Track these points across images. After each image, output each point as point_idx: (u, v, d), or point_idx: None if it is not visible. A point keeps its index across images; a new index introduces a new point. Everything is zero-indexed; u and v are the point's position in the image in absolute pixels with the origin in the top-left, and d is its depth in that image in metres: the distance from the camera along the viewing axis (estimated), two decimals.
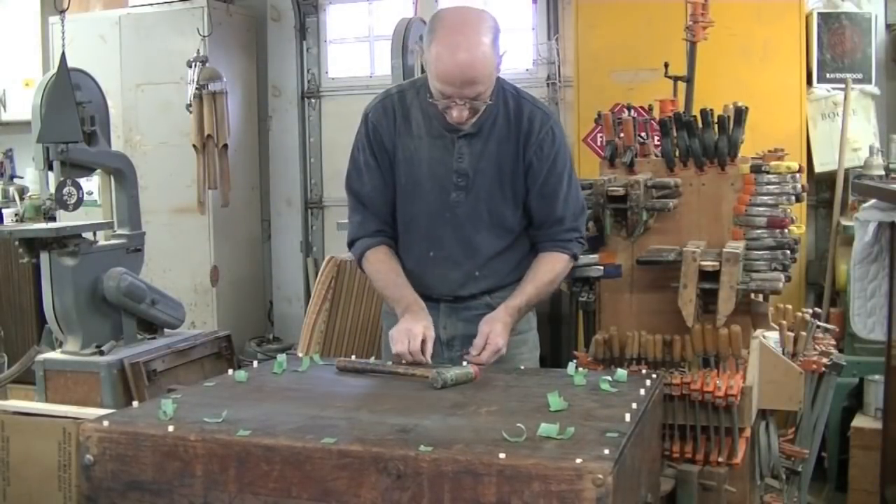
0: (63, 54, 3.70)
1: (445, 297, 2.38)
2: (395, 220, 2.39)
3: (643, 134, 2.83)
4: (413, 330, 2.14)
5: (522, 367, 2.25)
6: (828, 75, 4.30)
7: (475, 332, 2.24)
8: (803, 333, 2.62)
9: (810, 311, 2.77)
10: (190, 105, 5.07)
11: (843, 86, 4.21)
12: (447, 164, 2.31)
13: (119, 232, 4.00)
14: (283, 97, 5.96)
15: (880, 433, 3.42)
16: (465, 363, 2.08)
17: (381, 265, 2.36)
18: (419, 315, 2.21)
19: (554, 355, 5.40)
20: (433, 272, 2.35)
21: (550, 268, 2.35)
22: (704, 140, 2.61)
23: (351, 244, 2.43)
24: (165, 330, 4.07)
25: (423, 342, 2.13)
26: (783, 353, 2.49)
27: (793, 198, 2.57)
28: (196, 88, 5.03)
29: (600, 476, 1.35)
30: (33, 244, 3.70)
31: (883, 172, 4.06)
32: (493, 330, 2.18)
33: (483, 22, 2.17)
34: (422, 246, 2.37)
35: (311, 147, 5.95)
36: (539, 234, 2.38)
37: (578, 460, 1.38)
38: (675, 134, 2.65)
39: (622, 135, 2.76)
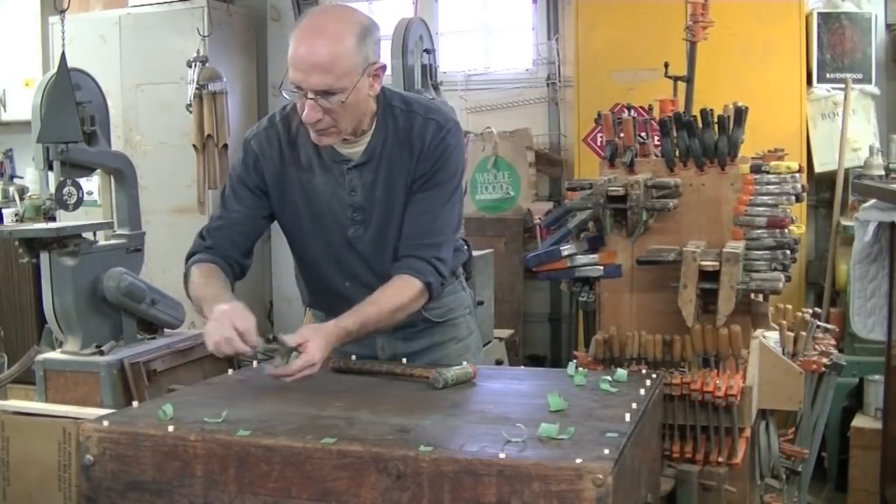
0: (63, 54, 3.70)
1: None
2: (244, 257, 2.26)
3: (643, 134, 2.83)
4: (223, 321, 1.89)
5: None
6: (828, 75, 4.31)
7: (416, 347, 2.19)
8: (803, 333, 2.62)
9: (810, 311, 2.77)
10: (190, 105, 5.07)
11: (843, 86, 4.22)
12: (341, 199, 2.14)
13: (119, 232, 4.00)
14: (283, 97, 5.96)
15: (880, 433, 3.42)
16: (269, 366, 1.94)
17: (198, 277, 2.15)
18: (225, 308, 1.94)
19: (554, 355, 5.41)
20: (356, 300, 2.09)
21: (398, 293, 2.07)
22: (704, 140, 2.61)
23: (187, 259, 2.22)
24: (165, 330, 4.07)
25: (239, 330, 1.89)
26: (783, 353, 2.49)
27: (793, 198, 2.57)
28: (196, 88, 5.04)
29: (600, 476, 1.35)
30: (33, 244, 3.70)
31: (883, 172, 4.06)
32: (314, 341, 1.88)
33: (350, 18, 2.04)
34: (337, 278, 2.22)
35: None
36: (403, 250, 2.13)
37: (578, 460, 1.38)
38: (675, 134, 2.65)
39: (622, 135, 2.76)
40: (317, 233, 2.19)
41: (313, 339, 1.89)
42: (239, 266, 2.25)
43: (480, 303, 3.67)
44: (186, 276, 2.19)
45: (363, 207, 2.14)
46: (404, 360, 2.11)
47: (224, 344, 1.88)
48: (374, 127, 2.13)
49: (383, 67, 2.10)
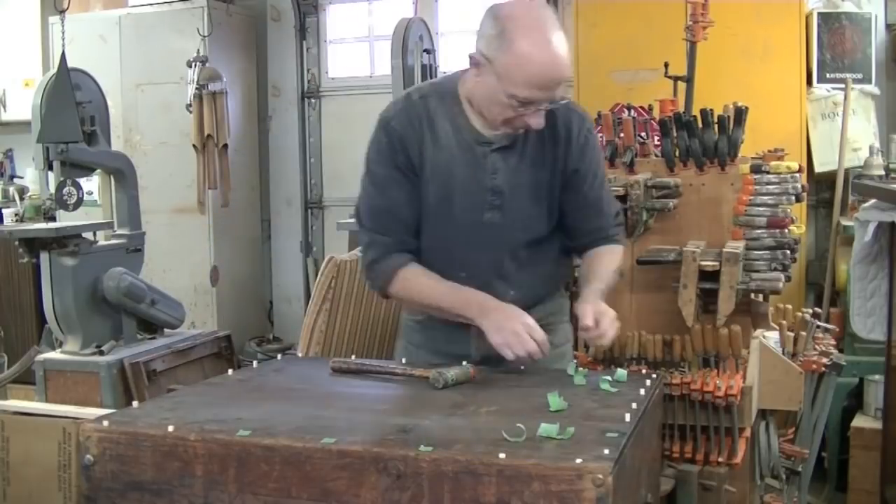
0: (63, 54, 3.70)
1: None
2: (416, 240, 2.14)
3: (643, 134, 2.84)
4: (513, 325, 1.95)
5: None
6: (828, 75, 4.30)
7: None
8: (803, 333, 2.62)
9: (810, 311, 2.77)
10: (190, 105, 5.07)
11: (843, 86, 4.21)
12: (480, 182, 2.08)
13: (119, 232, 4.00)
14: (283, 97, 5.96)
15: (880, 433, 3.42)
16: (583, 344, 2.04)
17: (423, 278, 2.09)
18: (502, 307, 2.00)
19: None
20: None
21: (613, 258, 2.21)
22: (704, 140, 2.61)
23: (370, 267, 2.13)
24: (165, 330, 4.07)
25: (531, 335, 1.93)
26: (783, 353, 2.49)
27: (793, 198, 2.57)
28: (196, 88, 5.04)
29: (600, 476, 1.35)
30: (33, 244, 3.71)
31: (883, 172, 4.05)
32: (598, 304, 2.02)
33: (553, 16, 2.05)
34: (451, 267, 2.12)
35: (311, 147, 5.96)
36: (588, 238, 2.21)
37: (578, 460, 1.38)
38: (675, 134, 2.65)
39: (622, 135, 2.76)
40: (446, 215, 2.11)
41: (597, 303, 2.02)
42: (416, 250, 2.14)
43: None
44: (389, 281, 2.10)
45: (503, 192, 2.09)
46: (464, 363, 1.99)
47: (515, 343, 1.93)
48: None
49: None
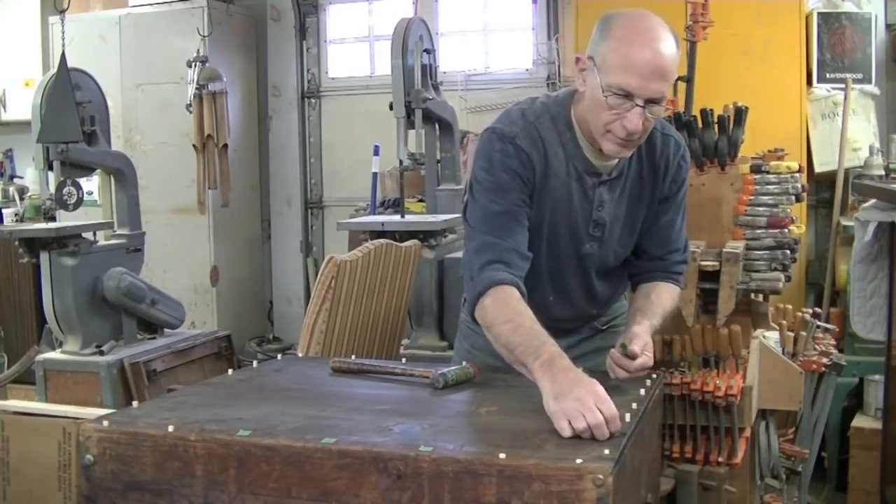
0: (63, 54, 3.70)
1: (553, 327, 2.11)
2: (526, 257, 1.98)
3: None
4: (585, 400, 1.55)
5: None
6: (828, 75, 4.30)
7: (576, 353, 2.03)
8: (803, 333, 2.62)
9: (810, 311, 2.77)
10: (190, 105, 5.08)
11: (843, 86, 4.21)
12: (586, 212, 2.04)
13: (119, 232, 4.01)
14: (283, 97, 5.96)
15: (880, 433, 3.41)
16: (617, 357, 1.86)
17: (513, 303, 1.87)
18: (569, 370, 1.67)
19: None
20: (548, 312, 2.04)
21: (671, 297, 2.11)
22: (704, 140, 2.61)
23: (480, 271, 1.92)
24: (165, 330, 4.07)
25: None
26: (783, 353, 2.49)
27: (793, 198, 2.57)
28: (196, 88, 5.04)
29: (600, 476, 1.35)
30: (33, 244, 3.71)
31: (883, 172, 4.06)
32: (650, 344, 1.89)
33: (665, 23, 1.91)
34: (543, 290, 2.10)
35: (311, 147, 5.96)
36: (648, 266, 2.15)
37: (578, 460, 1.38)
38: None
39: None
40: (548, 244, 2.05)
41: (650, 341, 1.89)
42: (526, 261, 1.97)
43: None
44: (481, 295, 1.89)
45: (604, 224, 2.06)
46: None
47: (576, 414, 1.53)
48: None
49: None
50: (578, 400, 1.54)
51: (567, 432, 1.52)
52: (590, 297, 2.17)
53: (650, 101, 1.86)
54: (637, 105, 1.85)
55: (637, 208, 2.09)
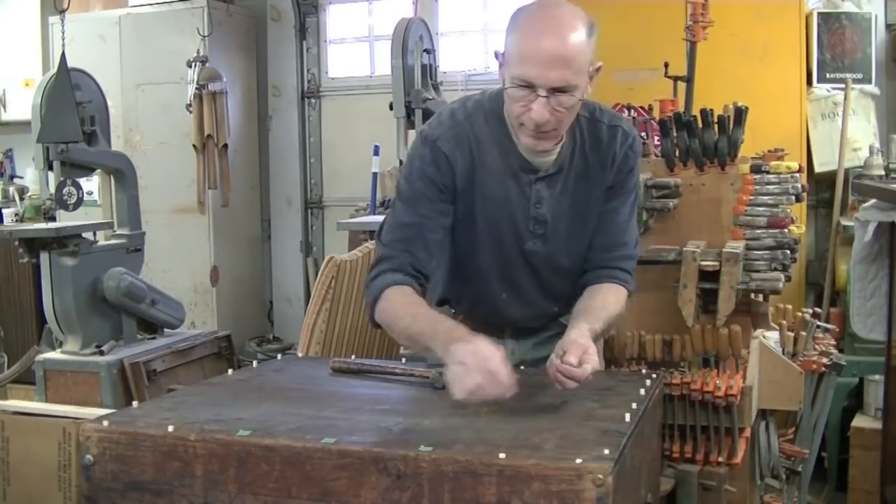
0: (63, 54, 3.70)
1: (515, 326, 2.16)
2: (430, 266, 1.98)
3: (643, 134, 2.84)
4: (469, 362, 1.61)
5: (522, 368, 2.10)
6: (828, 75, 4.30)
7: (545, 353, 1.91)
8: (803, 333, 2.62)
9: (810, 311, 2.77)
10: (190, 105, 5.07)
11: (843, 86, 4.21)
12: (524, 210, 2.01)
13: (119, 232, 4.00)
14: (283, 97, 5.96)
15: (880, 433, 3.41)
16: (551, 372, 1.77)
17: (407, 298, 1.89)
18: (470, 346, 1.66)
19: None
20: (506, 311, 2.10)
21: (616, 300, 2.00)
22: (704, 140, 2.61)
23: (368, 284, 1.97)
24: (165, 330, 4.07)
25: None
26: (783, 353, 2.49)
27: (793, 198, 2.57)
28: (196, 88, 5.04)
29: (600, 476, 1.35)
30: (33, 244, 3.71)
31: (883, 172, 4.05)
32: (591, 348, 1.75)
33: (579, 12, 1.89)
34: (494, 288, 2.09)
35: (311, 147, 5.96)
36: (597, 257, 2.06)
37: (578, 460, 1.38)
38: (675, 134, 2.65)
39: None
40: (490, 242, 2.04)
41: (591, 346, 1.75)
42: (426, 279, 1.98)
43: None
44: (376, 300, 1.92)
45: (546, 221, 2.02)
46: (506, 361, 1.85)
47: (477, 392, 1.61)
48: (564, 136, 1.98)
49: (599, 69, 1.96)
50: (463, 363, 1.61)
51: (459, 395, 1.61)
52: (547, 295, 2.11)
53: (557, 91, 1.82)
54: (540, 95, 1.82)
55: (584, 204, 2.03)
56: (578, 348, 1.73)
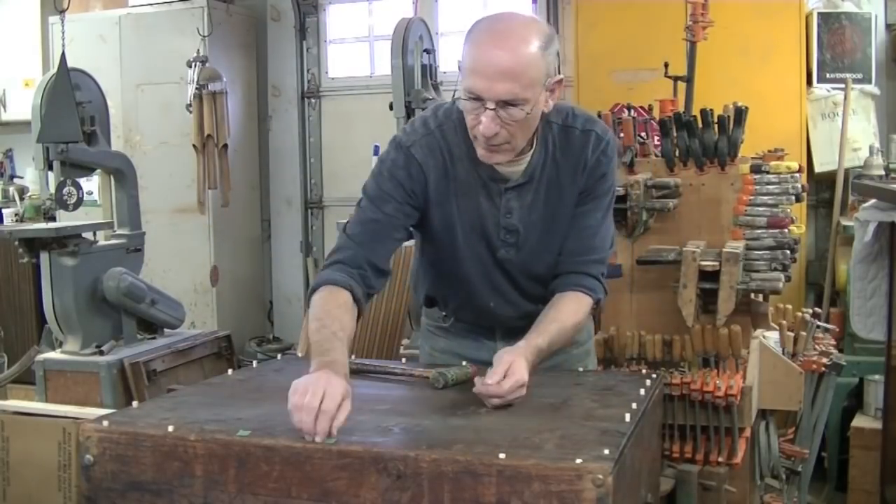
0: (63, 54, 3.70)
1: (505, 327, 2.15)
2: (387, 264, 1.99)
3: (643, 134, 2.84)
4: (329, 388, 1.56)
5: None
6: (828, 75, 4.30)
7: None
8: (803, 333, 2.62)
9: (810, 311, 2.78)
10: (190, 105, 5.07)
11: (843, 86, 4.21)
12: (494, 219, 2.00)
13: (119, 232, 4.00)
14: (283, 97, 5.96)
15: (880, 433, 3.41)
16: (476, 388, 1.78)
17: (329, 305, 1.86)
18: (322, 378, 1.59)
19: None
20: (493, 312, 2.10)
21: (576, 310, 1.98)
22: (704, 140, 2.62)
23: (321, 271, 1.97)
24: (165, 330, 4.07)
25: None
26: (783, 353, 2.49)
27: (793, 198, 2.57)
28: (196, 88, 5.04)
29: (600, 476, 1.35)
30: (33, 244, 3.70)
31: (883, 172, 4.06)
32: (517, 362, 1.75)
33: (534, 25, 1.88)
34: (483, 295, 2.09)
35: (311, 147, 5.96)
36: (566, 261, 2.03)
37: (578, 460, 1.38)
38: (675, 134, 2.66)
39: (622, 135, 2.76)
40: (467, 250, 2.03)
41: (517, 360, 1.75)
42: (383, 274, 1.99)
43: None
44: (314, 291, 1.90)
45: (517, 230, 2.01)
46: (464, 363, 1.99)
47: (300, 416, 1.54)
48: (534, 145, 1.97)
49: (560, 82, 1.93)
50: (296, 390, 1.56)
51: (297, 426, 1.54)
52: (530, 299, 2.09)
53: (507, 104, 1.80)
54: (488, 108, 1.81)
55: (557, 212, 2.01)
56: (503, 364, 1.74)
